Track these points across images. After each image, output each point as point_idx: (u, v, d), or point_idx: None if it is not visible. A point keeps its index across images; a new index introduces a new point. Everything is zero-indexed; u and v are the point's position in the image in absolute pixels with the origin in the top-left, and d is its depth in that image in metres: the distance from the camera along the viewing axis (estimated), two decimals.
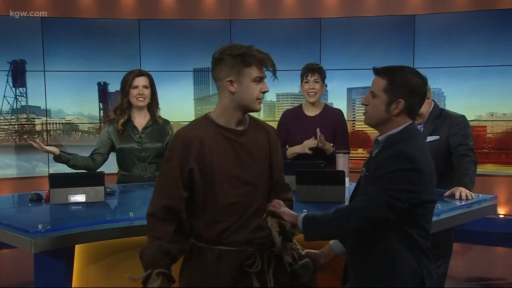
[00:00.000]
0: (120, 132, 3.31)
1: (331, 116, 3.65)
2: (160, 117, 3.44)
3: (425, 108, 3.23)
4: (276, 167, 2.09)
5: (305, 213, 2.03)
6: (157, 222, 1.98)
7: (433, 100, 3.32)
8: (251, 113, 2.10)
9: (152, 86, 3.36)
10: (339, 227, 1.94)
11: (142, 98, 3.31)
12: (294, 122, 3.65)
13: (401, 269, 1.92)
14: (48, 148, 3.13)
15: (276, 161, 2.09)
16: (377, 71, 2.02)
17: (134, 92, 3.29)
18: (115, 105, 3.40)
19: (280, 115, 3.91)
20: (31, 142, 3.12)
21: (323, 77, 3.64)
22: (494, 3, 6.08)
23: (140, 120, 3.38)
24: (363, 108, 2.06)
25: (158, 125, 3.40)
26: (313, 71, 3.60)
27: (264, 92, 2.00)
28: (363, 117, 2.08)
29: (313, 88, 3.58)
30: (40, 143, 3.12)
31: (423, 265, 1.94)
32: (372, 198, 1.89)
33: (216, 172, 1.96)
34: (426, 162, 1.91)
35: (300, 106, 3.75)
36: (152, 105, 3.39)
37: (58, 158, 3.18)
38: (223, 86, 1.98)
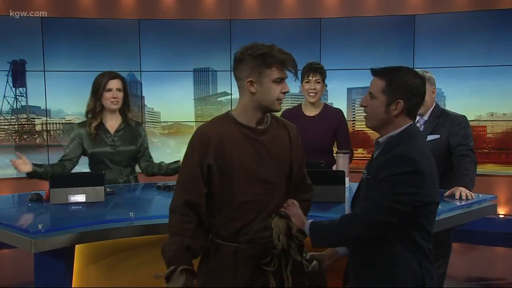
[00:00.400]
0: (92, 136, 3.25)
1: (331, 116, 3.65)
2: (131, 119, 3.38)
3: (430, 99, 3.24)
4: (296, 165, 2.08)
5: (312, 220, 2.02)
6: (178, 217, 1.99)
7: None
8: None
9: (125, 89, 3.30)
10: (344, 235, 1.94)
11: (116, 102, 3.25)
12: (293, 122, 3.63)
13: (402, 271, 1.91)
14: (23, 167, 3.06)
15: (296, 159, 2.08)
16: (375, 72, 2.01)
17: (107, 95, 3.23)
18: (87, 108, 3.30)
19: (280, 115, 3.91)
20: (14, 160, 3.06)
21: (324, 77, 3.62)
22: (494, 3, 6.08)
23: (112, 123, 3.32)
24: (363, 109, 2.05)
25: (130, 127, 3.35)
26: (315, 71, 3.58)
27: (284, 93, 1.99)
28: (363, 117, 2.08)
29: (314, 89, 3.57)
30: (18, 161, 3.05)
31: (424, 268, 1.94)
32: (374, 203, 1.88)
33: (235, 169, 1.96)
34: (427, 164, 1.91)
35: (300, 106, 3.74)
36: (124, 108, 3.32)
37: (31, 175, 3.10)
38: (244, 86, 1.99)
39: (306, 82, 3.59)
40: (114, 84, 3.24)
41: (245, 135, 1.99)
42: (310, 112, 3.65)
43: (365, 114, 2.05)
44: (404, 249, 1.91)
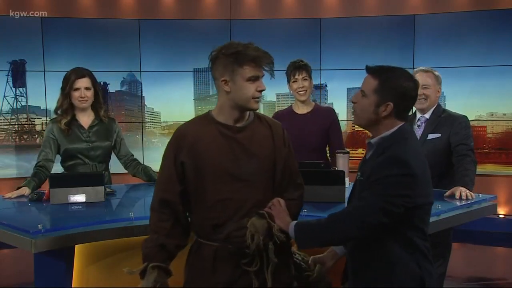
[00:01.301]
0: (65, 132, 3.20)
1: (322, 114, 3.61)
2: (104, 115, 3.33)
3: (434, 96, 3.24)
4: (280, 163, 2.05)
5: (297, 221, 1.99)
6: (156, 215, 2.03)
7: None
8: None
9: (94, 86, 3.24)
10: (335, 234, 1.93)
11: (84, 101, 3.19)
12: (285, 121, 3.61)
13: (401, 271, 1.91)
14: (16, 193, 2.97)
15: (279, 157, 2.05)
16: (370, 70, 2.00)
17: (75, 94, 3.17)
18: (56, 104, 3.25)
19: (272, 116, 3.89)
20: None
21: (310, 73, 3.57)
22: (494, 3, 6.08)
23: (85, 119, 3.27)
24: (353, 105, 2.04)
25: (103, 123, 3.31)
26: (300, 68, 3.53)
27: (260, 91, 1.98)
28: (352, 113, 2.07)
29: (303, 86, 3.53)
30: (10, 194, 2.95)
31: (422, 267, 1.94)
32: (367, 204, 1.88)
33: (208, 167, 1.97)
34: (420, 165, 1.90)
35: (291, 106, 3.71)
36: (96, 105, 3.28)
37: (31, 192, 2.98)
38: (219, 85, 1.99)
39: (294, 81, 3.55)
40: (82, 83, 3.17)
41: (221, 133, 1.99)
42: (301, 110, 3.62)
43: (353, 110, 2.04)
44: (401, 249, 1.91)
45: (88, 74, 3.24)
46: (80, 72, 3.22)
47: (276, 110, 6.52)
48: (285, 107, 3.89)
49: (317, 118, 3.58)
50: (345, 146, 3.61)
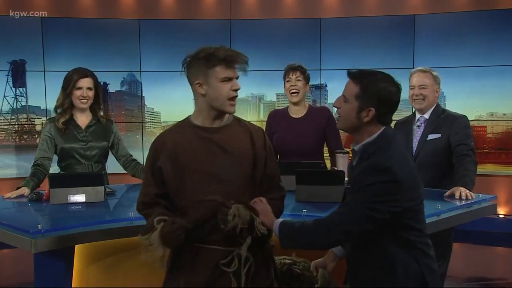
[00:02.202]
0: (62, 131, 3.19)
1: (317, 115, 3.57)
2: (102, 116, 3.33)
3: (433, 97, 3.24)
4: (260, 167, 2.04)
5: (282, 220, 1.99)
6: (144, 211, 2.10)
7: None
8: (237, 115, 2.12)
9: (96, 87, 3.25)
10: (317, 239, 1.93)
11: (85, 100, 3.18)
12: (280, 123, 3.59)
13: (400, 270, 1.91)
14: (16, 193, 2.98)
15: (259, 161, 2.04)
16: (351, 75, 1.99)
17: (77, 93, 3.16)
18: (56, 103, 3.24)
19: (267, 115, 3.86)
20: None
21: (306, 76, 3.53)
22: (494, 3, 6.08)
23: (83, 119, 3.27)
24: (336, 110, 2.04)
25: (101, 124, 3.30)
26: (295, 69, 3.52)
27: (235, 90, 2.00)
28: (336, 118, 2.07)
29: (295, 85, 3.49)
30: (10, 194, 2.96)
31: (422, 263, 1.94)
32: (351, 211, 1.87)
33: (186, 168, 1.98)
34: (405, 169, 1.88)
35: (287, 108, 3.67)
36: (95, 106, 3.28)
37: (31, 194, 2.97)
38: (195, 89, 2.03)
39: (287, 81, 3.53)
40: (85, 82, 3.17)
41: (198, 135, 2.02)
42: (296, 114, 3.58)
43: (338, 116, 2.04)
44: (398, 248, 1.91)
45: (91, 74, 3.24)
46: (83, 72, 3.22)
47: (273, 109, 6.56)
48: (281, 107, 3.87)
49: (313, 120, 3.54)
50: (344, 145, 3.59)
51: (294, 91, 3.52)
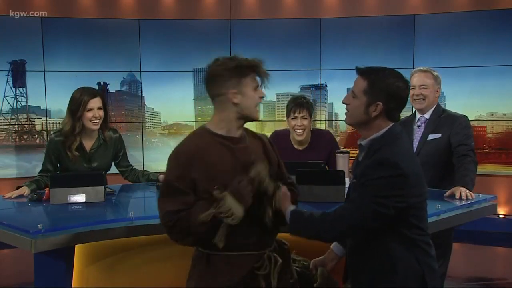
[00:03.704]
0: (71, 154, 3.12)
1: (320, 144, 3.51)
2: (108, 136, 3.25)
3: (433, 97, 3.25)
4: (273, 169, 2.09)
5: (294, 208, 2.02)
6: (175, 216, 1.95)
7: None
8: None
9: (105, 106, 3.18)
10: (322, 232, 1.95)
11: (97, 121, 3.11)
12: (281, 150, 3.52)
13: (401, 269, 1.92)
14: (16, 193, 2.97)
15: (274, 164, 2.12)
16: (360, 71, 2.02)
17: (89, 115, 3.08)
18: (64, 127, 3.13)
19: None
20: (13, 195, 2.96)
21: (311, 111, 3.45)
22: (494, 3, 6.08)
23: (89, 139, 3.21)
24: (345, 106, 2.06)
25: (106, 144, 3.25)
26: (301, 106, 3.41)
27: (262, 98, 2.06)
28: (344, 113, 2.09)
29: (301, 125, 3.41)
30: (10, 194, 2.96)
31: (422, 262, 1.94)
32: (358, 206, 1.89)
33: (218, 179, 1.96)
34: (411, 165, 1.90)
35: (289, 134, 3.55)
36: (102, 125, 3.19)
37: (32, 195, 2.96)
38: (224, 100, 2.01)
39: (293, 118, 3.43)
40: (95, 103, 3.10)
41: (224, 145, 2.02)
42: (299, 146, 3.52)
43: (346, 112, 2.06)
44: (400, 247, 1.92)
45: (99, 93, 3.19)
46: (92, 92, 3.14)
47: (276, 110, 6.55)
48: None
49: (316, 150, 3.49)
50: (345, 148, 3.55)
51: (299, 130, 3.44)
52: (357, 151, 2.11)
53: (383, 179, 1.85)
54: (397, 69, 2.03)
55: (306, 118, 3.42)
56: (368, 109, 1.96)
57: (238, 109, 2.01)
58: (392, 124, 1.98)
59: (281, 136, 3.57)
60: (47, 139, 6.29)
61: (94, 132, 3.20)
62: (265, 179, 1.95)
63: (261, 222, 1.99)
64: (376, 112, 1.95)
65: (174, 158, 2.01)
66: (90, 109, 3.09)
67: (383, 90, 1.94)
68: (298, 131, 3.44)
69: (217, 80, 2.00)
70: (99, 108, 3.12)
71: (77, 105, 3.08)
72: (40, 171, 3.19)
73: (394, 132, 1.97)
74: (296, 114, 3.42)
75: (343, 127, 6.62)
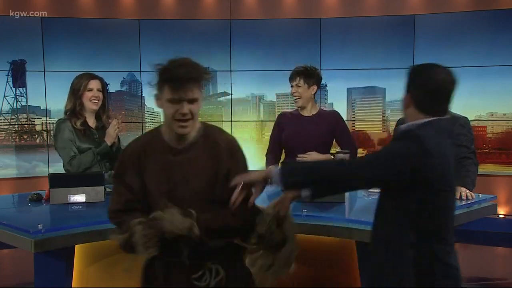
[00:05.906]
0: (80, 132, 3.22)
1: (327, 117, 3.59)
2: (106, 121, 3.36)
3: None
4: (220, 181, 1.94)
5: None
6: (116, 219, 1.99)
7: None
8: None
9: (104, 91, 3.33)
10: (323, 171, 1.89)
11: (96, 101, 3.27)
12: (290, 121, 3.60)
13: (413, 279, 1.86)
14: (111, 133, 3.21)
15: (220, 175, 1.94)
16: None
17: (88, 94, 3.25)
18: (65, 108, 3.31)
19: (278, 114, 3.87)
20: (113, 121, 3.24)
21: (309, 79, 3.50)
22: (494, 3, 6.08)
23: (91, 121, 3.33)
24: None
25: (105, 127, 3.32)
26: (296, 74, 3.51)
27: (182, 114, 1.86)
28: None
29: (295, 92, 3.51)
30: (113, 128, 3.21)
31: (443, 260, 1.89)
32: (372, 159, 1.89)
33: (151, 186, 1.94)
34: (438, 147, 1.85)
35: (297, 109, 3.68)
36: (99, 110, 3.33)
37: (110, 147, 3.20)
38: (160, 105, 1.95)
39: (291, 86, 3.55)
40: (95, 84, 3.27)
41: (164, 153, 1.93)
42: (306, 112, 3.60)
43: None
44: (418, 260, 1.86)
45: (99, 77, 3.34)
46: (91, 74, 3.32)
47: (276, 110, 6.55)
48: (284, 107, 3.87)
49: (323, 120, 3.56)
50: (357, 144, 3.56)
51: (295, 97, 3.54)
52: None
53: (404, 144, 1.85)
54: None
55: (299, 86, 3.50)
56: (404, 101, 1.99)
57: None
58: (432, 119, 1.94)
59: (289, 111, 3.73)
60: (47, 139, 6.29)
61: (94, 115, 3.32)
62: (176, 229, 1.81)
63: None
64: (406, 102, 1.98)
65: (120, 156, 2.02)
66: (90, 89, 3.24)
67: (412, 82, 1.97)
68: (295, 98, 3.54)
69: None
70: (99, 90, 3.28)
71: (78, 85, 3.26)
72: (72, 157, 3.15)
73: (434, 124, 1.93)
74: (292, 83, 3.54)
75: None
